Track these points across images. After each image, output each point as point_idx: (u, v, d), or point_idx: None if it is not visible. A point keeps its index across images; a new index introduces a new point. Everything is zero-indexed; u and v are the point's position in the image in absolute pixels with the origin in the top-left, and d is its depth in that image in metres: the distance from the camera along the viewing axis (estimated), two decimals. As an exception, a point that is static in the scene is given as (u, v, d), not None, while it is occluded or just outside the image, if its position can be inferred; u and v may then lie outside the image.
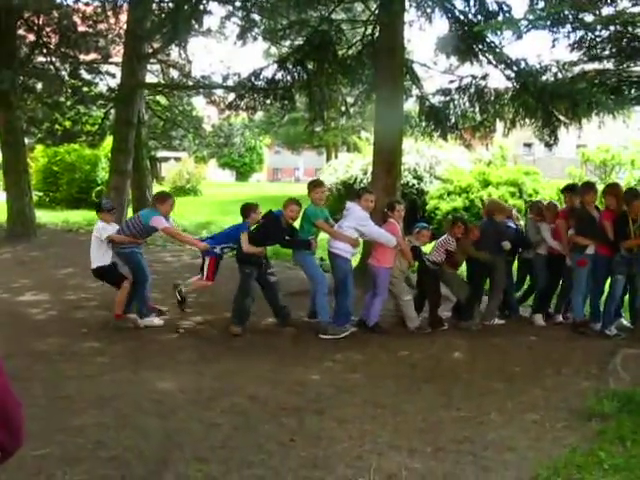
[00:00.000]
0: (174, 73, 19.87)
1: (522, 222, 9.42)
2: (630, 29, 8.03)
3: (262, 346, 7.31)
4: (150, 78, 19.97)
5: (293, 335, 7.75)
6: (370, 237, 7.94)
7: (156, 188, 30.42)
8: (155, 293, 9.96)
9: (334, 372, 6.41)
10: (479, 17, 10.76)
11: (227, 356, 6.88)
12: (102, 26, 17.39)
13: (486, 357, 7.02)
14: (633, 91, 9.17)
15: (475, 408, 5.41)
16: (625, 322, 8.36)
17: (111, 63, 18.54)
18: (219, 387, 5.85)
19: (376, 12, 11.48)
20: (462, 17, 11.00)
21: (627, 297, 8.33)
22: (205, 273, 8.00)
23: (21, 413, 1.84)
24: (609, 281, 8.16)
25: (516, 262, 9.23)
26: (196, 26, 15.26)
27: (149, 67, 19.38)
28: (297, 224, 8.17)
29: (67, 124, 20.67)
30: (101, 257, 7.99)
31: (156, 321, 8.18)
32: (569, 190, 8.70)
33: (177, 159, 38.00)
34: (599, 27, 8.04)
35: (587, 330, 7.99)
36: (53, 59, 17.46)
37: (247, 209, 8.08)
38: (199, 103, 22.86)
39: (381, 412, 5.31)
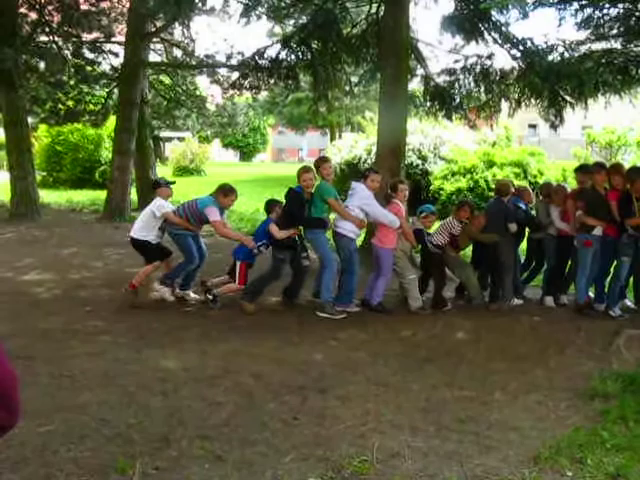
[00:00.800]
0: (177, 52, 19.77)
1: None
2: (639, 7, 7.94)
3: (266, 325, 7.30)
4: (153, 57, 19.87)
5: (298, 314, 7.74)
6: (374, 217, 7.90)
7: (159, 168, 30.52)
8: (159, 272, 10.01)
9: (337, 351, 6.41)
10: (484, -5, 10.68)
11: (231, 335, 6.87)
12: (105, 4, 17.26)
13: (490, 337, 7.01)
14: (640, 71, 9.09)
15: (478, 388, 5.41)
16: (629, 303, 8.34)
17: (114, 42, 18.41)
18: (223, 366, 5.85)
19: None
20: (468, -5, 10.92)
21: (631, 278, 8.29)
22: (237, 278, 7.87)
23: (17, 387, 1.81)
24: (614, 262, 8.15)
25: (525, 243, 9.19)
26: (199, 4, 15.16)
27: (152, 46, 19.29)
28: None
29: (70, 103, 20.59)
30: (145, 230, 8.13)
31: (167, 294, 8.21)
32: (581, 170, 8.64)
33: (180, 139, 37.94)
34: (607, 5, 7.95)
35: (591, 311, 7.97)
36: (55, 38, 17.32)
37: (271, 205, 8.08)
38: (203, 82, 22.73)
39: (384, 391, 5.31)
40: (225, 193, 8.08)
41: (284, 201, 7.99)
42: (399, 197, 8.12)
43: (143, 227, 8.13)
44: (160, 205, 8.07)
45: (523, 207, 8.52)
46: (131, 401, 4.97)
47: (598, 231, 7.85)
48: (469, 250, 9.11)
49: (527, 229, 8.69)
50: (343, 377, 5.62)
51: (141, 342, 6.53)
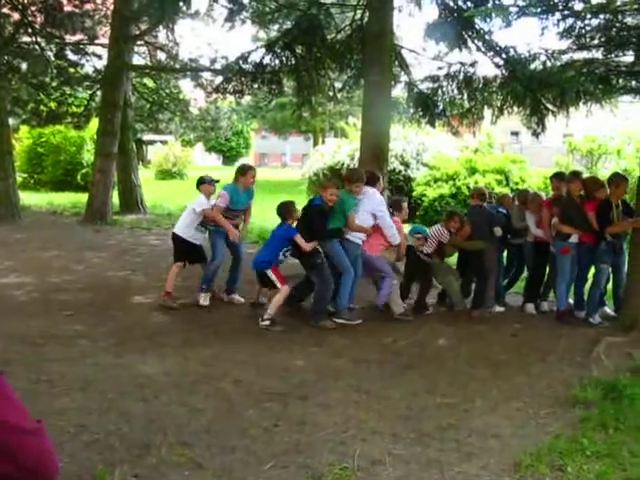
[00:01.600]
0: (161, 55, 19.71)
1: None
2: (619, 18, 8.00)
3: (248, 331, 7.26)
4: (137, 60, 19.81)
5: (279, 321, 7.71)
6: (381, 225, 7.84)
7: (141, 171, 30.40)
8: (140, 276, 9.97)
9: (319, 357, 6.39)
10: (469, 4, 10.75)
11: (213, 340, 6.83)
12: (89, 6, 17.23)
13: (471, 344, 7.03)
14: (621, 81, 9.14)
15: (460, 395, 5.42)
16: (609, 310, 8.40)
17: (98, 44, 18.37)
18: (204, 372, 5.82)
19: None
20: (451, 3, 10.98)
21: (610, 285, 8.36)
22: (278, 283, 7.56)
23: (33, 441, 1.41)
24: (592, 270, 8.20)
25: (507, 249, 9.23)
26: (184, 8, 15.12)
27: (136, 49, 19.22)
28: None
29: (52, 105, 20.44)
30: (183, 227, 8.28)
31: (202, 300, 8.26)
32: (556, 177, 8.73)
33: (163, 142, 37.78)
34: (588, 15, 7.99)
35: (571, 318, 8.02)
36: (38, 39, 17.23)
37: (288, 210, 7.73)
38: (186, 86, 22.68)
39: (365, 398, 5.30)
40: (242, 172, 8.29)
41: (302, 213, 7.84)
42: (402, 215, 8.34)
43: (180, 225, 8.34)
44: (200, 202, 8.21)
45: (504, 212, 8.59)
46: (110, 407, 4.92)
47: (574, 238, 7.92)
48: (453, 257, 9.13)
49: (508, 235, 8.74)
50: (324, 384, 5.61)
51: (122, 347, 6.46)
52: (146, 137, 35.96)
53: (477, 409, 5.13)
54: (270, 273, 7.54)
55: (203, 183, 8.41)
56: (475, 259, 8.38)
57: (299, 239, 7.49)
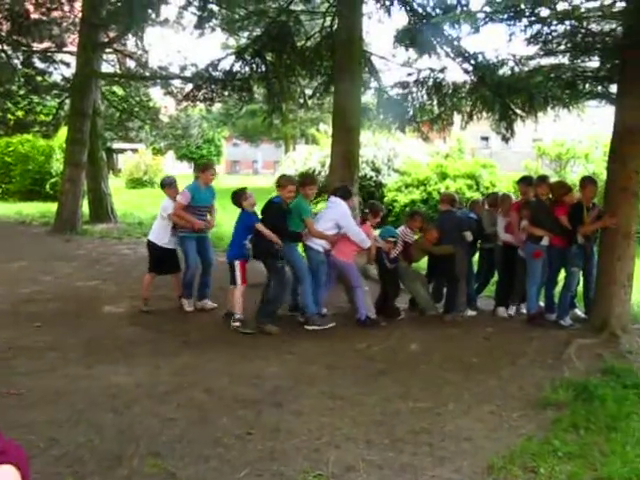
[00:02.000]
0: (131, 63, 19.57)
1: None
2: (585, 24, 8.10)
3: (220, 340, 7.23)
4: (106, 68, 19.64)
5: (252, 328, 7.68)
6: (348, 234, 7.84)
7: (112, 180, 30.08)
8: (111, 285, 9.87)
9: (292, 364, 6.37)
10: (437, 10, 10.81)
11: (184, 350, 6.78)
12: (56, 14, 17.02)
13: (443, 348, 7.06)
14: (587, 86, 9.26)
15: (432, 399, 5.43)
16: (579, 312, 8.49)
17: (66, 52, 18.17)
18: (176, 381, 5.77)
19: (334, 3, 11.44)
20: (420, 10, 11.05)
21: (581, 288, 8.45)
22: (240, 279, 7.61)
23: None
24: (563, 272, 8.30)
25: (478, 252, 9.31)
26: (153, 15, 15.07)
27: (105, 57, 19.06)
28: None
29: (20, 114, 20.21)
30: (157, 233, 8.32)
31: (187, 306, 8.39)
32: (524, 182, 8.81)
33: (134, 150, 37.48)
34: (554, 22, 8.09)
35: (542, 321, 8.09)
36: (5, 47, 17.02)
37: (239, 196, 7.75)
38: (156, 94, 22.54)
39: (339, 404, 5.29)
40: (202, 169, 8.51)
41: (262, 211, 7.80)
42: (374, 221, 8.39)
43: (157, 230, 8.34)
44: (165, 207, 8.22)
45: (475, 217, 8.64)
46: (81, 419, 4.86)
47: (545, 241, 8.00)
48: (423, 262, 9.17)
49: (479, 240, 8.81)
50: (298, 391, 5.59)
51: (92, 358, 6.39)
52: (116, 146, 35.61)
53: (450, 413, 5.15)
54: (237, 265, 7.60)
55: (165, 186, 8.44)
56: (445, 264, 8.42)
57: (261, 227, 7.51)
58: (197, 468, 4.12)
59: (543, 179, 8.51)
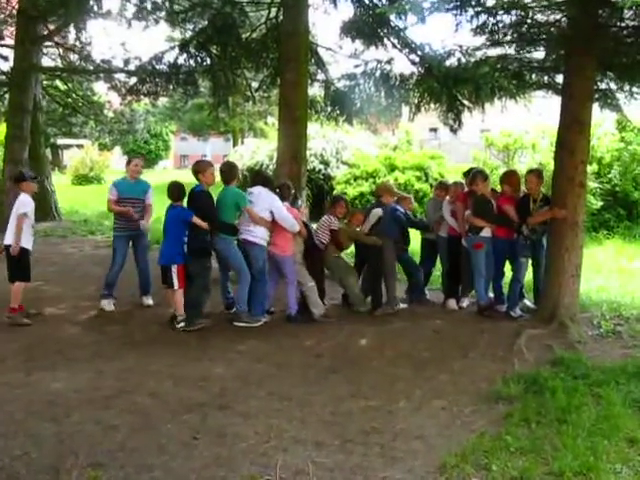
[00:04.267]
0: (74, 57, 19.02)
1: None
2: (530, 14, 8.10)
3: (164, 340, 7.01)
4: (48, 62, 19.10)
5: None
6: (279, 220, 7.64)
7: (57, 177, 29.30)
8: (53, 286, 9.54)
9: (239, 364, 6.20)
10: (383, 1, 10.72)
11: (128, 352, 6.53)
12: (-8, 6, 16.45)
13: (394, 343, 6.96)
14: (534, 76, 9.29)
15: (384, 397, 5.32)
16: (529, 303, 8.49)
17: (4, 45, 17.57)
18: (118, 385, 5.54)
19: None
20: (367, 1, 10.92)
21: (530, 278, 8.47)
22: (177, 282, 7.34)
23: None
24: (511, 264, 8.31)
25: (420, 243, 9.33)
26: (95, 8, 14.65)
27: (46, 50, 18.52)
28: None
29: (-42, 110, 19.51)
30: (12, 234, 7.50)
31: (107, 305, 8.17)
32: (469, 174, 8.78)
33: (80, 146, 36.67)
34: (500, 12, 8.06)
35: (492, 312, 8.07)
36: (-60, 41, 16.40)
37: (180, 189, 7.50)
38: (101, 88, 22.01)
39: (287, 405, 5.15)
40: (127, 162, 8.47)
41: (188, 200, 7.53)
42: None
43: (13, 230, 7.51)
44: (23, 202, 7.52)
45: (402, 210, 8.55)
46: (18, 429, 4.60)
47: (487, 232, 7.98)
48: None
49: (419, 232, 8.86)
50: (245, 392, 5.42)
51: (31, 363, 6.10)
52: (62, 141, 34.78)
53: (401, 410, 5.05)
54: (174, 269, 7.34)
55: (23, 180, 7.74)
56: (372, 258, 8.35)
57: (196, 220, 7.27)
58: (140, 478, 3.93)
59: (475, 176, 8.31)
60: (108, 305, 8.16)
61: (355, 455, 4.25)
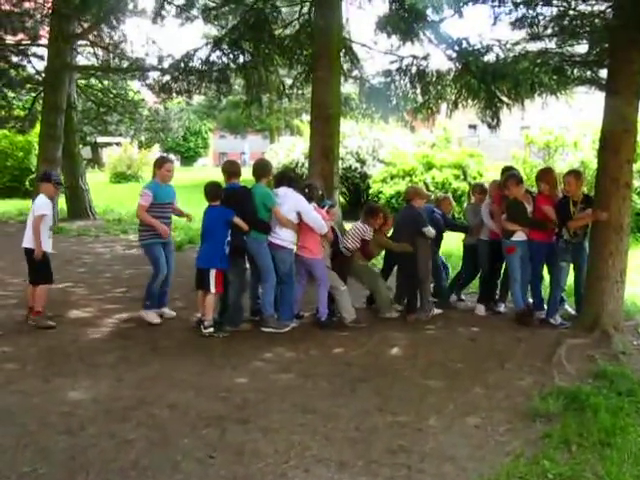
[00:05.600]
0: (108, 55, 19.01)
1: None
2: (572, 5, 7.74)
3: (191, 345, 6.81)
4: (84, 61, 19.14)
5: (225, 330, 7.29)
6: (308, 222, 7.42)
7: (95, 174, 29.54)
8: (81, 288, 9.45)
9: (263, 373, 5.97)
10: (419, -5, 10.42)
11: (152, 358, 6.35)
12: (28, 5, 16.44)
13: (426, 352, 6.67)
14: (576, 71, 8.88)
15: (413, 411, 5.04)
16: (569, 309, 8.12)
17: (40, 45, 17.62)
18: (138, 395, 5.34)
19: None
20: (402, -5, 10.63)
21: (573, 285, 8.07)
22: (214, 286, 7.11)
23: None
24: (550, 269, 7.95)
25: (461, 249, 9.01)
26: (131, 6, 14.62)
27: (81, 49, 18.56)
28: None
29: (-5, 109, 19.64)
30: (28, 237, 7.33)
31: (153, 318, 7.63)
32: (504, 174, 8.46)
33: (118, 144, 36.86)
34: (540, 4, 7.73)
35: (531, 320, 7.71)
36: (-24, 41, 16.48)
37: (217, 189, 7.27)
38: (136, 87, 22.05)
39: (311, 419, 4.89)
40: (158, 165, 7.71)
41: (225, 198, 7.27)
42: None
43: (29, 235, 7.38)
44: (40, 205, 7.30)
45: (439, 212, 8.27)
46: (30, 442, 4.42)
47: (520, 236, 7.65)
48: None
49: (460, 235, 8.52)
50: (268, 404, 5.18)
51: (51, 369, 5.95)
52: (101, 139, 35.02)
53: (431, 428, 4.75)
54: (213, 273, 7.10)
55: (47, 181, 7.52)
56: (405, 262, 8.06)
57: (238, 220, 7.07)
58: (150, 499, 3.72)
59: (507, 179, 7.94)
60: (153, 317, 7.65)
61: (380, 478, 3.97)
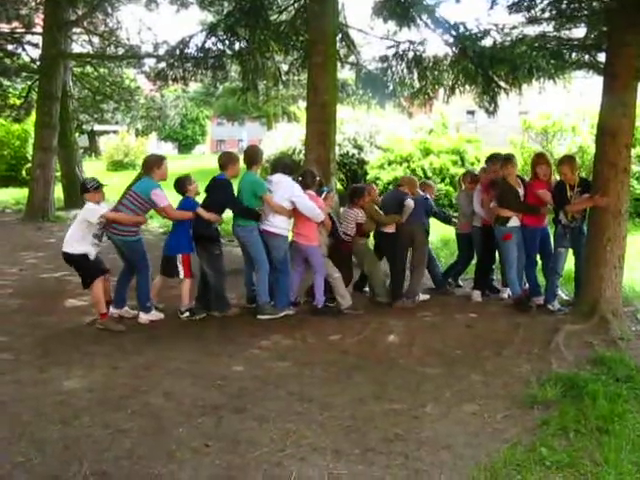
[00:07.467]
0: (103, 43, 18.88)
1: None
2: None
3: (186, 334, 6.78)
4: (79, 49, 18.99)
5: (220, 320, 7.24)
6: (302, 210, 7.37)
7: (92, 163, 29.42)
8: (76, 277, 9.36)
9: (260, 361, 5.93)
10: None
11: (147, 346, 6.32)
12: (23, -8, 16.34)
13: (423, 339, 6.63)
14: (574, 55, 8.80)
15: (410, 399, 5.00)
16: (563, 294, 8.09)
17: (34, 33, 17.50)
18: (133, 384, 5.31)
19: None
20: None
21: (572, 270, 8.02)
22: (183, 271, 7.20)
23: None
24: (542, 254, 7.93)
25: (454, 236, 9.03)
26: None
27: (76, 37, 18.42)
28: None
29: (-9, 98, 19.53)
30: (76, 243, 7.00)
31: (153, 316, 7.36)
32: (490, 160, 8.40)
33: (115, 132, 36.71)
34: (538, -14, 7.66)
35: (528, 306, 7.66)
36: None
37: (182, 183, 7.34)
38: (133, 74, 21.90)
39: (307, 407, 4.85)
40: (157, 165, 7.27)
41: (207, 189, 7.37)
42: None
43: (70, 241, 7.04)
44: (92, 210, 6.92)
45: (424, 195, 8.34)
46: (24, 433, 4.38)
47: (514, 222, 7.62)
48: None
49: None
50: (264, 392, 5.15)
51: (46, 359, 5.92)
52: (98, 127, 34.87)
53: (428, 415, 4.71)
54: (179, 258, 7.23)
55: (87, 191, 7.05)
56: (390, 249, 8.15)
57: (201, 211, 7.16)
58: (144, 489, 3.69)
59: (508, 159, 7.94)
60: (154, 317, 7.36)
61: (376, 467, 3.94)
